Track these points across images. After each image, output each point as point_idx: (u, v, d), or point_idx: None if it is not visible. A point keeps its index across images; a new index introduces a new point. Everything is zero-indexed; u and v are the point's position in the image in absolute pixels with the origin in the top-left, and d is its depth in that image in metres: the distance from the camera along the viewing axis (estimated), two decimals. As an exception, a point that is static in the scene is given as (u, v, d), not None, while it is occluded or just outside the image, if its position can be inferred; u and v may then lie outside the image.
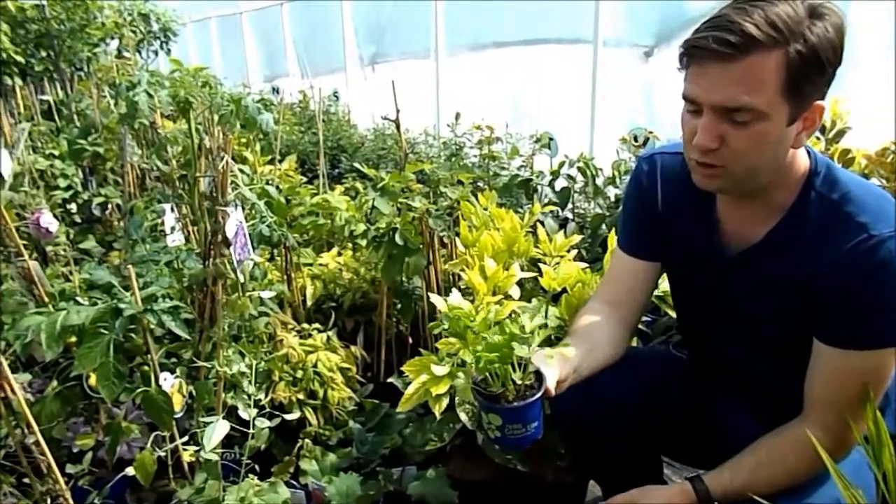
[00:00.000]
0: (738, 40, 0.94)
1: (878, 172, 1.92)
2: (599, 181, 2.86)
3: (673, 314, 1.62)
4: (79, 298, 1.49)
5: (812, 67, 0.96)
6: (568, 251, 1.80)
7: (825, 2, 0.97)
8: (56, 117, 3.41)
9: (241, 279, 1.45)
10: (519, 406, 1.06)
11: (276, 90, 6.82)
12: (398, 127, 2.06)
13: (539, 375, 1.11)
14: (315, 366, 1.84)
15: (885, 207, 1.03)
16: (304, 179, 2.98)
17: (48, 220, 1.77)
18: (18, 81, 3.40)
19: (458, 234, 1.94)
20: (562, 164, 2.91)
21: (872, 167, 1.92)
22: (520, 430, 1.08)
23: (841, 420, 1.05)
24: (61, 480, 1.37)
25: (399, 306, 2.21)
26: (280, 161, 2.87)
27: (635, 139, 2.93)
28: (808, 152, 1.12)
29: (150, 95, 1.61)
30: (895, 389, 1.25)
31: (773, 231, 1.13)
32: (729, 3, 0.99)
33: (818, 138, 2.06)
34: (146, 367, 1.50)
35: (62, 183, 2.65)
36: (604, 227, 2.55)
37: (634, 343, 1.58)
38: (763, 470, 1.12)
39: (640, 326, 1.55)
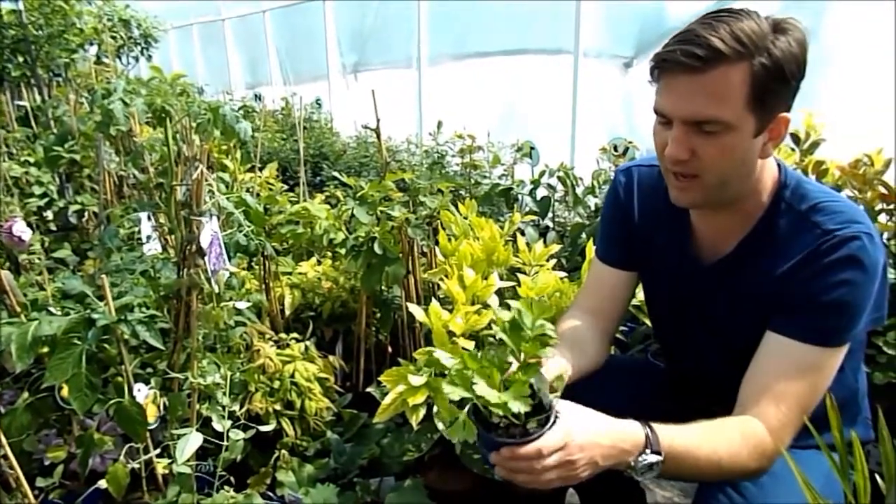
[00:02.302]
0: (704, 53, 0.97)
1: (850, 184, 1.95)
2: (579, 190, 2.88)
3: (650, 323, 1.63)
4: (51, 308, 1.47)
5: (776, 80, 0.99)
6: (547, 260, 1.82)
7: (788, 18, 1.01)
8: (32, 124, 3.36)
9: (216, 289, 1.44)
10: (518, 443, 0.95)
11: (258, 97, 6.81)
12: (379, 136, 2.06)
13: (550, 408, 1.00)
14: (292, 376, 1.83)
15: (853, 217, 1.05)
16: (285, 187, 2.97)
17: (21, 229, 1.75)
18: (-6, 87, 3.36)
19: (437, 244, 1.94)
20: (542, 174, 2.93)
21: (846, 178, 1.95)
22: None
23: (781, 415, 1.05)
24: (30, 494, 1.35)
25: (378, 315, 2.20)
26: (261, 169, 2.85)
27: (615, 149, 2.96)
28: (779, 165, 1.15)
29: (125, 104, 1.59)
30: (865, 397, 1.28)
31: (742, 241, 1.16)
32: (697, 20, 1.03)
33: (792, 150, 2.09)
34: (119, 378, 1.47)
35: (37, 190, 2.61)
36: (583, 235, 2.56)
37: (613, 352, 1.58)
38: (709, 435, 1.06)
39: (617, 336, 1.56)
